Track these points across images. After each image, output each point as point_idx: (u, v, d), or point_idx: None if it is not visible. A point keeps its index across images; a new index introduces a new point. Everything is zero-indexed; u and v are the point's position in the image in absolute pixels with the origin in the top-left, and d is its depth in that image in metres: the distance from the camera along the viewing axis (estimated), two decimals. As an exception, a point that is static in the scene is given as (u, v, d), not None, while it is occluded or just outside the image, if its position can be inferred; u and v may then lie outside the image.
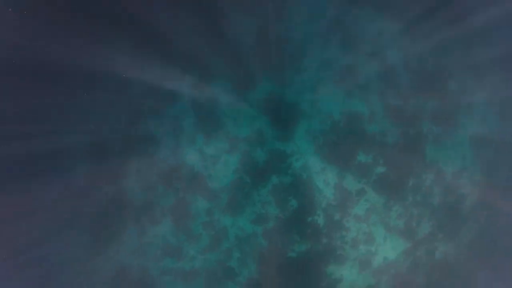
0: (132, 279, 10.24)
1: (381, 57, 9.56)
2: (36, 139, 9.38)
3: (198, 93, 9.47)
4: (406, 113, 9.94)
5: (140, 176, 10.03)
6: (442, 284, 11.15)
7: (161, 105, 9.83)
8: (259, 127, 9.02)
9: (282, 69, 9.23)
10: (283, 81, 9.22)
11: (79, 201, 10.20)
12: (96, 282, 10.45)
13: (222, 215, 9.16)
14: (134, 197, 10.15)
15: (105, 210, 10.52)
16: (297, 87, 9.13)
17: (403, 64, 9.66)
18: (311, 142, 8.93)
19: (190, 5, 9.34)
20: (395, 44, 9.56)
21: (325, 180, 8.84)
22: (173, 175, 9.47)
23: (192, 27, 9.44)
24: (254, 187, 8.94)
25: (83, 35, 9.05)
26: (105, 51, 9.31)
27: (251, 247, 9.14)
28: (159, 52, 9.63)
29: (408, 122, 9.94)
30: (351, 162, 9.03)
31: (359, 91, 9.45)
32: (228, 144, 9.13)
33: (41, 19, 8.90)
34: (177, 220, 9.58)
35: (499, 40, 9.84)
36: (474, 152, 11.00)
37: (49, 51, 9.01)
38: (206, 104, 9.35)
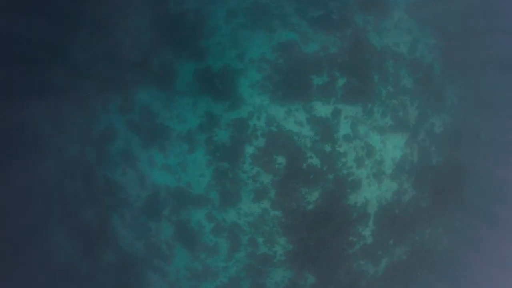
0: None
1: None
2: None
3: (128, 115, 8.58)
4: (333, 17, 9.43)
5: (127, 227, 9.21)
6: (456, 154, 11.04)
7: (102, 149, 8.93)
8: (205, 109, 8.24)
9: (192, 43, 8.43)
10: (200, 53, 8.41)
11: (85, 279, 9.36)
12: None
13: (223, 212, 8.44)
14: (134, 249, 9.38)
15: (116, 276, 9.74)
16: (217, 51, 8.34)
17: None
18: (262, 94, 8.22)
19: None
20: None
21: (295, 121, 8.21)
22: (155, 206, 8.65)
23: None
24: (235, 168, 8.22)
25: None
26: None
27: (269, 225, 8.51)
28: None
29: (340, 25, 9.44)
30: (310, 89, 8.41)
31: (278, 21, 8.78)
32: (186, 144, 8.32)
33: None
34: (187, 244, 8.84)
35: None
36: (417, 21, 10.79)
37: None
38: (142, 120, 8.47)
